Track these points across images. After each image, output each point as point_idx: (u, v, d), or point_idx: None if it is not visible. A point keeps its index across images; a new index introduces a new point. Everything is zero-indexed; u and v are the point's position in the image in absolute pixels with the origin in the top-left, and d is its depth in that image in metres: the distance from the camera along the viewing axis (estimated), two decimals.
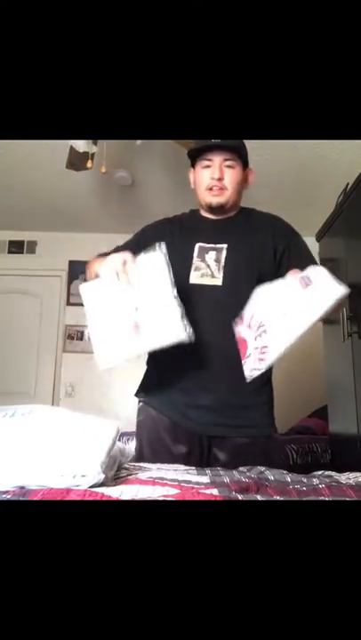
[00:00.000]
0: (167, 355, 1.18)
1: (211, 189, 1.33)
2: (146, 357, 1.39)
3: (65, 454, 0.72)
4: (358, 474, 0.90)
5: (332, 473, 0.93)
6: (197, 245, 1.35)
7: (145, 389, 1.38)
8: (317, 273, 1.04)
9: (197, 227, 1.41)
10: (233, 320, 1.21)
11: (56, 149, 2.79)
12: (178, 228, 1.43)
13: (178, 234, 1.40)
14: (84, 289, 1.21)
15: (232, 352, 1.17)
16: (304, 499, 0.64)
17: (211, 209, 1.37)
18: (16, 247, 4.36)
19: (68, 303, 4.22)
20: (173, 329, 1.09)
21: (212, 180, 1.32)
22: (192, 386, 1.27)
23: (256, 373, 1.10)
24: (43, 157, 3.07)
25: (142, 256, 1.16)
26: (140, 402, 1.38)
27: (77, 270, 4.13)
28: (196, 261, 1.33)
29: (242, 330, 1.15)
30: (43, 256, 4.30)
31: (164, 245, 1.16)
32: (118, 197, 3.50)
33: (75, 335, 4.24)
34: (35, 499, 0.58)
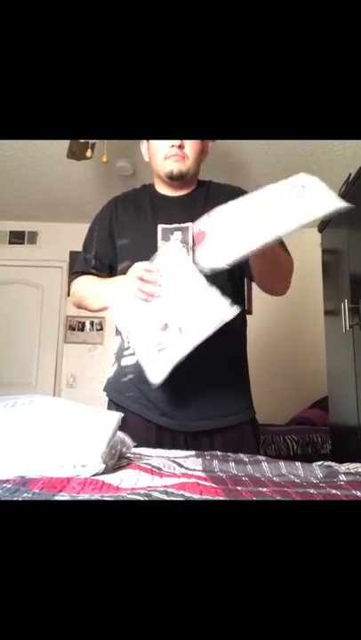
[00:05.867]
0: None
1: (169, 157, 1.24)
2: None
3: (65, 444, 0.73)
4: (358, 464, 0.90)
5: (332, 463, 0.93)
6: (160, 227, 1.23)
7: (115, 386, 1.28)
8: (312, 182, 0.91)
9: (155, 205, 1.30)
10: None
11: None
12: (133, 207, 1.32)
13: (134, 214, 1.31)
14: (117, 316, 1.11)
15: (203, 348, 1.06)
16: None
17: (171, 179, 1.26)
18: (17, 237, 4.36)
19: (70, 294, 4.23)
20: (215, 310, 0.95)
21: (172, 147, 1.22)
22: (167, 383, 1.17)
23: (211, 265, 0.96)
24: (43, 147, 3.05)
25: (158, 255, 1.06)
26: (109, 400, 1.29)
27: None
28: (161, 244, 1.23)
29: (202, 223, 1.00)
30: (44, 246, 4.30)
31: (173, 234, 1.07)
32: (119, 187, 3.47)
33: (76, 326, 4.25)
34: (35, 488, 0.59)
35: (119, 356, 1.30)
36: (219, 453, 1.02)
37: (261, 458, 0.97)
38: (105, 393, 1.32)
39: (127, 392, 1.25)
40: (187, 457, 0.98)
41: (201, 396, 1.20)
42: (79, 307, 1.34)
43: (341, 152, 2.96)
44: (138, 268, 1.07)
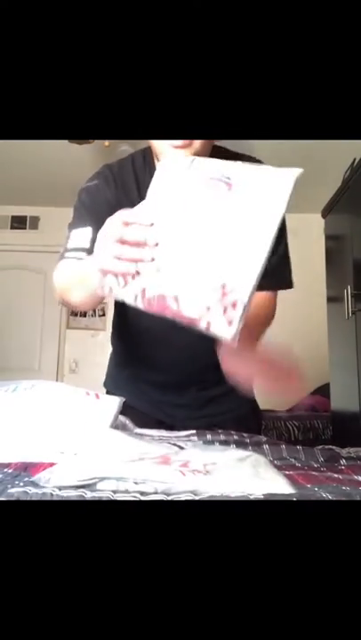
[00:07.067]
0: (135, 349, 1.13)
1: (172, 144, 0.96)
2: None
3: (66, 430, 0.73)
4: (359, 449, 0.90)
5: (334, 447, 0.93)
6: None
7: (114, 382, 1.26)
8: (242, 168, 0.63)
9: None
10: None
11: None
12: (137, 195, 1.11)
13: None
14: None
15: (200, 346, 0.97)
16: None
17: None
18: (18, 222, 4.34)
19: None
20: None
21: None
22: (166, 384, 1.18)
23: (234, 328, 0.58)
24: None
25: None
26: (108, 392, 1.24)
27: None
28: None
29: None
30: (45, 232, 4.28)
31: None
32: None
33: (78, 312, 4.24)
34: (36, 474, 0.59)
35: (114, 347, 1.29)
36: (220, 431, 1.03)
37: (263, 439, 0.97)
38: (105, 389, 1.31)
39: (126, 387, 1.23)
40: (188, 437, 0.98)
41: (200, 392, 1.19)
42: (62, 301, 1.09)
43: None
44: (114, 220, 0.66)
